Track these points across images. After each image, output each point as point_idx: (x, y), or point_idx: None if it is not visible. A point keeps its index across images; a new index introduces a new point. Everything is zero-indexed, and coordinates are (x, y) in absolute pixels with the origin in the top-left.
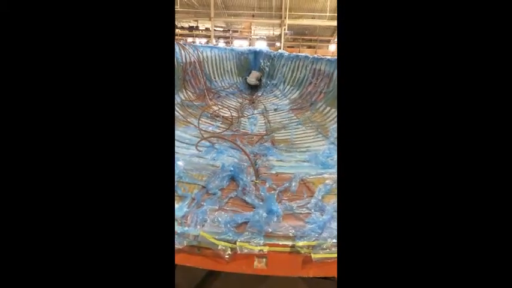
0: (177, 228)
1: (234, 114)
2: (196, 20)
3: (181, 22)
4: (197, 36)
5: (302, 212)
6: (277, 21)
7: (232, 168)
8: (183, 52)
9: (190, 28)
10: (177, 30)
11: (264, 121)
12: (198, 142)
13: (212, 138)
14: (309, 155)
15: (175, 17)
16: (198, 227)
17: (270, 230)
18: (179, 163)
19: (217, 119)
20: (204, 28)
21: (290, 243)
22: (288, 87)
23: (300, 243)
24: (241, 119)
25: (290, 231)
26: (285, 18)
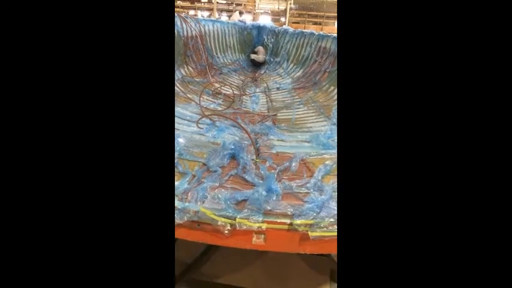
0: (178, 204)
1: (236, 92)
2: None
3: None
4: (199, 8)
5: (301, 191)
6: None
7: (233, 147)
8: (185, 25)
9: (192, 0)
10: (178, 2)
11: (266, 100)
12: (199, 119)
13: (213, 116)
14: (310, 135)
15: None
16: (199, 203)
17: (269, 208)
18: (180, 140)
19: (219, 96)
20: (206, 0)
21: (288, 221)
22: (292, 65)
23: (298, 221)
24: (243, 97)
25: (289, 209)
26: None
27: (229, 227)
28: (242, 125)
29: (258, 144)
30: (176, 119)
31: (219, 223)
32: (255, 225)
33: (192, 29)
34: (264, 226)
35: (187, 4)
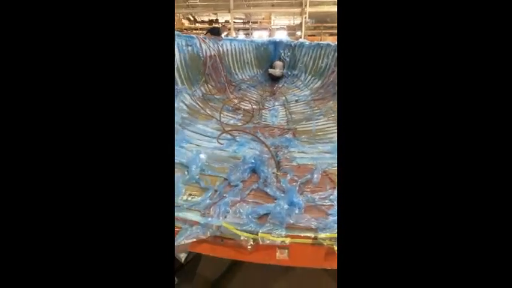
0: (201, 219)
1: (255, 106)
2: (216, 13)
3: (201, 16)
4: None
5: (324, 203)
6: (298, 10)
7: (253, 161)
8: (204, 46)
9: (210, 21)
10: (197, 24)
11: (285, 113)
12: (220, 135)
13: (233, 131)
14: (332, 146)
15: (195, 11)
16: (221, 218)
17: (292, 221)
18: (201, 156)
19: (238, 111)
20: (223, 21)
21: (312, 234)
22: (310, 77)
23: (323, 235)
24: (262, 111)
25: (312, 223)
26: (305, 6)
27: (252, 242)
28: (261, 138)
29: (278, 157)
30: (197, 136)
31: (242, 238)
32: (278, 240)
33: (211, 48)
34: (288, 241)
35: (206, 26)
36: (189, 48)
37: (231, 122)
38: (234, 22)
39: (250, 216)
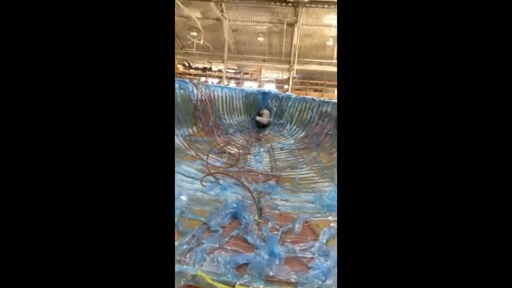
0: (175, 267)
1: (241, 151)
2: (210, 62)
3: (196, 63)
4: (210, 76)
5: (305, 256)
6: (286, 66)
7: (235, 205)
8: (196, 90)
9: (204, 69)
10: (191, 70)
11: (269, 159)
12: (203, 177)
13: (217, 174)
14: (314, 196)
15: (191, 58)
16: (197, 266)
17: (272, 273)
18: (182, 197)
19: (224, 155)
20: (217, 69)
21: None
22: (295, 127)
23: None
24: (247, 156)
25: (292, 276)
26: (294, 63)
27: None
28: (245, 183)
29: (260, 203)
30: (180, 176)
31: None
32: None
33: (203, 93)
34: None
35: (200, 72)
36: (182, 91)
37: (216, 164)
38: (227, 72)
39: (228, 266)
